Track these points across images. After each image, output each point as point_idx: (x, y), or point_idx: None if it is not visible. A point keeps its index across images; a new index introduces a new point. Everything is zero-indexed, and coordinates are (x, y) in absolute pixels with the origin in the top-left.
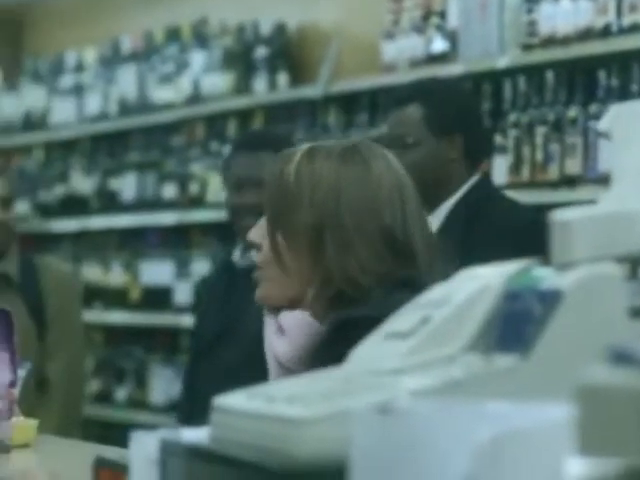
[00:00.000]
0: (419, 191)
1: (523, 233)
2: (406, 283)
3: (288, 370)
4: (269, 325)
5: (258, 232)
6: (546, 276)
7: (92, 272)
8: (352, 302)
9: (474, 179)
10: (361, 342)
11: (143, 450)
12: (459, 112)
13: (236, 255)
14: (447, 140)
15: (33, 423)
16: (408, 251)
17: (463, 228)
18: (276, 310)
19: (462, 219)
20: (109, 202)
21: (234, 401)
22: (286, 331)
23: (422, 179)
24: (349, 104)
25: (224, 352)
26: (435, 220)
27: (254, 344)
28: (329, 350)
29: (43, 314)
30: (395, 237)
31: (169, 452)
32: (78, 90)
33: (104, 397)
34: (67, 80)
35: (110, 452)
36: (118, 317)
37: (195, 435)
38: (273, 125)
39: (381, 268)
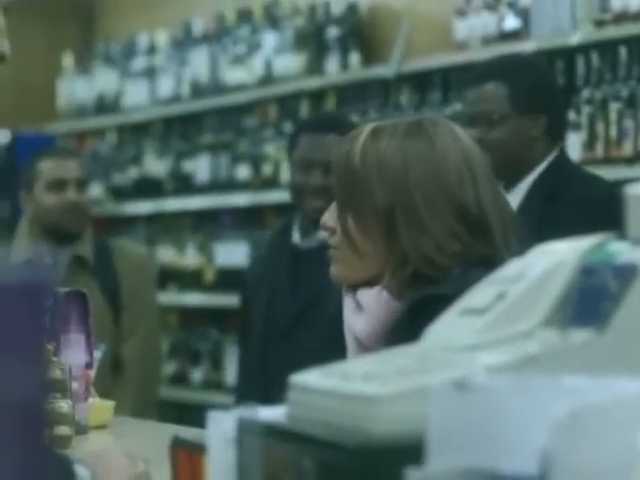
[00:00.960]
0: (501, 168)
1: (604, 206)
2: (483, 261)
3: (366, 348)
4: (347, 303)
5: (331, 216)
6: (622, 250)
7: (166, 254)
8: (430, 280)
9: (552, 156)
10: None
11: (220, 429)
12: (543, 90)
13: (296, 237)
14: (531, 118)
15: (109, 404)
16: (482, 225)
17: (544, 204)
18: (354, 288)
19: (543, 195)
20: (183, 184)
21: (310, 379)
22: (364, 308)
23: (505, 156)
24: (421, 83)
25: (303, 335)
26: (516, 197)
27: (333, 325)
28: (406, 328)
29: (118, 296)
30: (468, 211)
31: (246, 431)
32: (150, 73)
33: (180, 379)
34: (139, 63)
35: (186, 433)
36: (193, 299)
37: (272, 414)
38: (345, 105)
39: (456, 245)
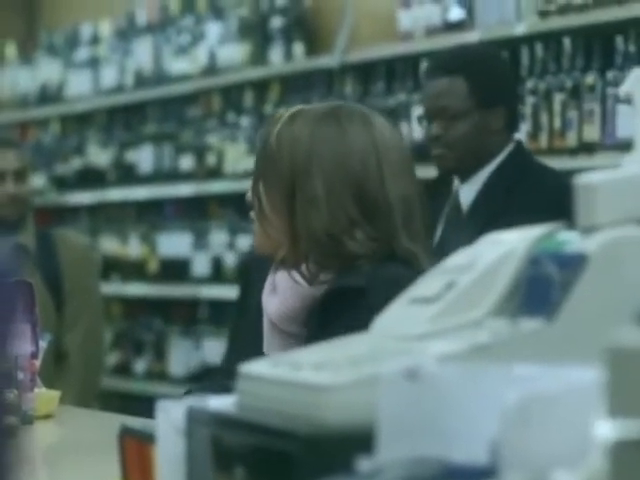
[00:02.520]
0: (461, 162)
1: (559, 197)
2: (390, 256)
3: (278, 329)
4: (267, 284)
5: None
6: (571, 240)
7: (110, 244)
8: (340, 268)
9: (510, 146)
10: (348, 310)
11: (169, 419)
12: (502, 83)
13: None
14: (492, 111)
15: (55, 394)
16: (383, 213)
17: (503, 195)
18: (275, 269)
19: (502, 187)
20: (126, 174)
21: (260, 368)
22: (278, 291)
23: (466, 150)
24: (365, 73)
25: None
26: (472, 187)
27: None
28: (320, 316)
29: (61, 286)
30: (369, 199)
31: (195, 420)
32: (94, 63)
33: (123, 369)
34: (83, 53)
35: (133, 422)
36: (136, 289)
37: (221, 403)
38: (290, 95)
39: (352, 230)
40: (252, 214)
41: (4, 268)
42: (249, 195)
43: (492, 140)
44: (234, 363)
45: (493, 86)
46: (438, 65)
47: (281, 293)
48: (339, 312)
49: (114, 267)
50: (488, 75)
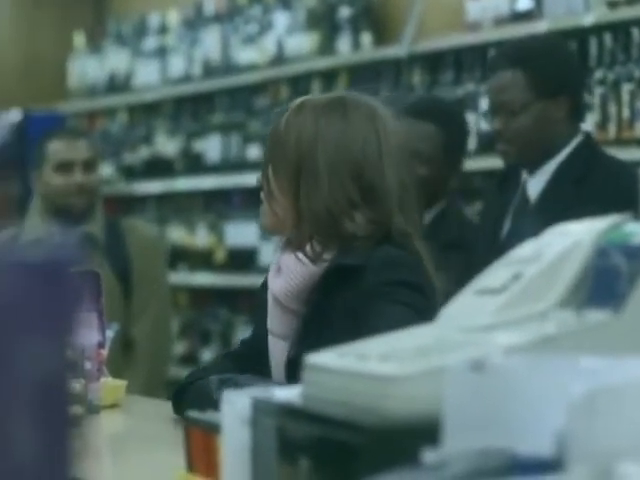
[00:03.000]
0: (525, 155)
1: (629, 190)
2: (386, 237)
3: (283, 306)
4: (272, 265)
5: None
6: (637, 231)
7: (177, 234)
8: (342, 245)
9: (579, 138)
10: (347, 288)
11: (235, 409)
12: (563, 72)
13: None
14: (553, 101)
15: (121, 384)
16: (380, 197)
17: (572, 187)
18: (285, 251)
19: (571, 178)
20: (194, 164)
21: (325, 359)
22: (283, 270)
23: (529, 143)
24: (433, 63)
25: None
26: (540, 179)
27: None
28: (321, 292)
29: (129, 276)
30: (368, 184)
31: (261, 411)
32: (162, 52)
33: (190, 359)
34: (151, 42)
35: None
36: (203, 279)
37: (287, 394)
38: (357, 85)
39: (352, 211)
40: (262, 195)
41: (69, 257)
42: (259, 178)
43: (555, 131)
44: (248, 344)
45: (553, 76)
46: (498, 59)
47: (286, 273)
48: (337, 289)
49: (181, 257)
50: (547, 65)
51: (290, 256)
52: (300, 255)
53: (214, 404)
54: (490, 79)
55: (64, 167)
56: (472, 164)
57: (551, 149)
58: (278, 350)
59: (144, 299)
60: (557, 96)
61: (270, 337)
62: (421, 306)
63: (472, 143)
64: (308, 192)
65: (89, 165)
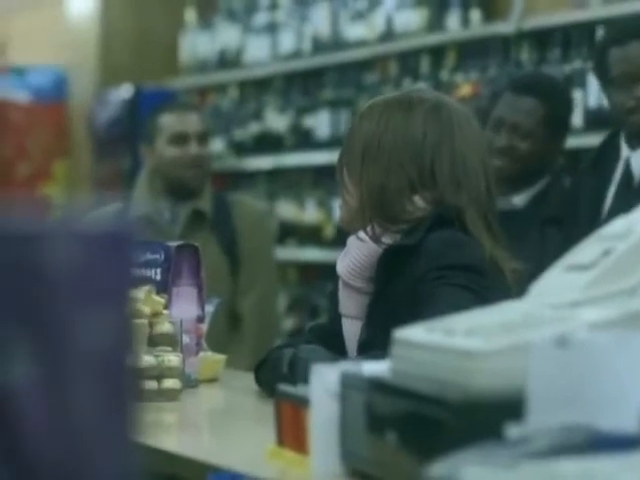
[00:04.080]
0: None
1: None
2: (443, 220)
3: (347, 285)
4: (341, 254)
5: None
6: None
7: (286, 210)
8: (401, 228)
9: None
10: (404, 267)
11: (324, 383)
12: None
13: None
14: None
15: (221, 358)
16: (436, 178)
17: None
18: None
19: None
20: (303, 140)
21: (413, 334)
22: (348, 252)
23: None
24: (541, 40)
25: None
26: None
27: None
28: (380, 272)
29: (236, 251)
30: (423, 164)
31: (349, 385)
32: (272, 28)
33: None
34: (261, 18)
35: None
36: (312, 254)
37: (375, 368)
38: (466, 62)
39: (407, 190)
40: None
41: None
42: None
43: None
44: (322, 328)
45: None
46: (627, 30)
47: (350, 253)
48: (395, 272)
49: (290, 232)
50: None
51: (353, 237)
52: (361, 234)
53: (283, 378)
54: (621, 50)
55: (179, 139)
56: (580, 141)
57: None
58: (351, 331)
59: (251, 275)
60: None
61: (343, 319)
62: (478, 287)
63: (579, 120)
64: (369, 174)
65: (202, 138)
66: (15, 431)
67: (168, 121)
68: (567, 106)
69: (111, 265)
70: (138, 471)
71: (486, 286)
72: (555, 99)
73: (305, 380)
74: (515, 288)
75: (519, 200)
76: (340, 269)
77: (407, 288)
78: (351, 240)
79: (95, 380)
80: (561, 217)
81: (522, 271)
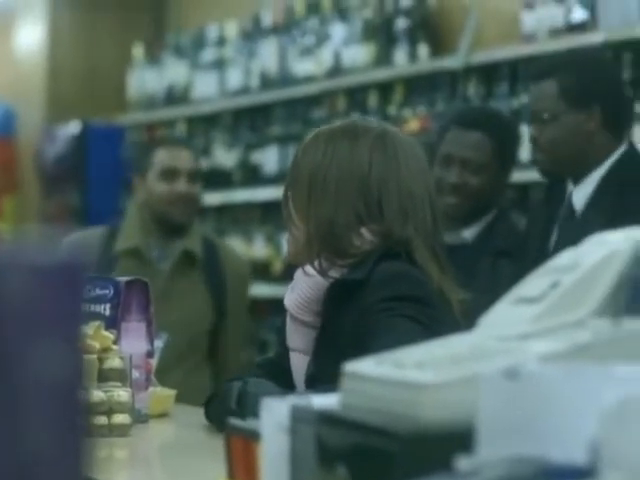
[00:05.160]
0: (560, 164)
1: None
2: (389, 254)
3: (294, 318)
4: (288, 288)
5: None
6: None
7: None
8: (347, 260)
9: (621, 149)
10: (349, 302)
11: (274, 417)
12: (595, 83)
13: None
14: (584, 112)
15: (171, 393)
16: (383, 210)
17: (614, 198)
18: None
19: (613, 189)
20: (251, 175)
21: (363, 367)
22: (295, 285)
23: (563, 153)
24: (489, 75)
25: None
26: (585, 190)
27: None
28: (326, 306)
29: (223, 298)
30: (370, 196)
31: (300, 418)
32: (220, 64)
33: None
34: (209, 54)
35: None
36: (261, 290)
37: (325, 401)
38: (414, 97)
39: (354, 223)
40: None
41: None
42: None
43: (590, 141)
44: (271, 362)
45: (583, 86)
46: (536, 70)
47: (297, 287)
48: (342, 305)
49: None
50: (578, 75)
51: (300, 271)
52: (308, 268)
53: (232, 412)
54: (531, 89)
55: (169, 175)
56: (527, 176)
57: (591, 160)
58: (298, 364)
59: (235, 335)
60: (588, 107)
61: (290, 352)
62: (426, 318)
63: (527, 155)
64: (316, 209)
65: (192, 175)
66: None
67: (161, 156)
68: (514, 139)
69: (62, 297)
70: None
71: (434, 317)
72: (502, 132)
73: (254, 414)
74: (463, 319)
75: (469, 234)
76: (287, 303)
77: (354, 321)
78: (298, 274)
79: (45, 412)
80: (510, 250)
81: (469, 302)
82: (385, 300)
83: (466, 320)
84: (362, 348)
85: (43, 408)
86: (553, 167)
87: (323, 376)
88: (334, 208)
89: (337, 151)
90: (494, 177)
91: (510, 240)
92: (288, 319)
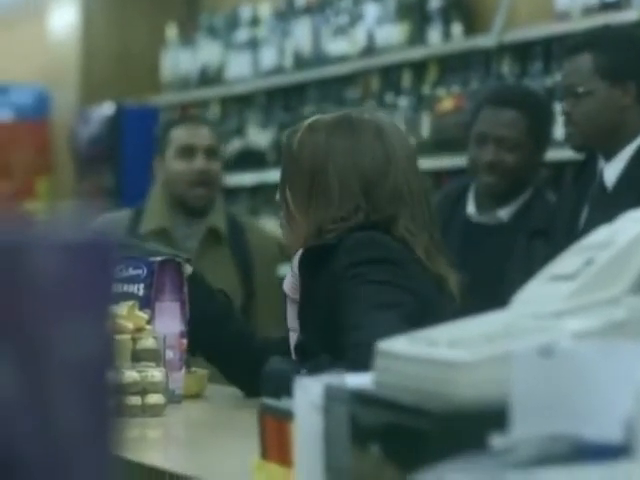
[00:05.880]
0: (593, 139)
1: None
2: (368, 224)
3: (291, 299)
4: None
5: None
6: None
7: (269, 225)
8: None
9: None
10: (323, 270)
11: (307, 396)
12: (630, 59)
13: (470, 208)
14: (620, 87)
15: (204, 373)
16: (383, 199)
17: None
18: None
19: None
20: None
21: (397, 346)
22: (292, 268)
23: (595, 127)
24: (523, 53)
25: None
26: (617, 165)
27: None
28: (301, 274)
29: (251, 275)
30: (369, 190)
31: (333, 397)
32: (253, 44)
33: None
34: (242, 34)
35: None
36: None
37: (358, 380)
38: (447, 76)
39: (353, 214)
40: (280, 217)
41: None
42: (278, 198)
43: (624, 116)
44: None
45: (619, 61)
46: (571, 45)
47: (292, 269)
48: (314, 270)
49: None
50: (614, 50)
51: (297, 255)
52: (301, 252)
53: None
54: (564, 65)
55: (186, 152)
56: (562, 154)
57: (624, 135)
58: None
59: (266, 312)
60: (623, 82)
61: (290, 333)
62: (397, 278)
63: (561, 133)
64: (317, 204)
65: (211, 152)
66: None
67: (178, 134)
68: (548, 117)
69: (92, 276)
70: None
71: (406, 275)
72: (536, 110)
73: (277, 393)
74: (463, 298)
75: (504, 213)
76: (285, 286)
77: (327, 287)
78: (295, 258)
79: (75, 392)
80: (546, 229)
81: (463, 282)
82: (353, 265)
83: (465, 299)
84: (339, 315)
85: (73, 388)
86: (585, 141)
87: (309, 345)
88: (337, 204)
89: (337, 145)
90: (529, 155)
91: (546, 220)
92: (287, 302)
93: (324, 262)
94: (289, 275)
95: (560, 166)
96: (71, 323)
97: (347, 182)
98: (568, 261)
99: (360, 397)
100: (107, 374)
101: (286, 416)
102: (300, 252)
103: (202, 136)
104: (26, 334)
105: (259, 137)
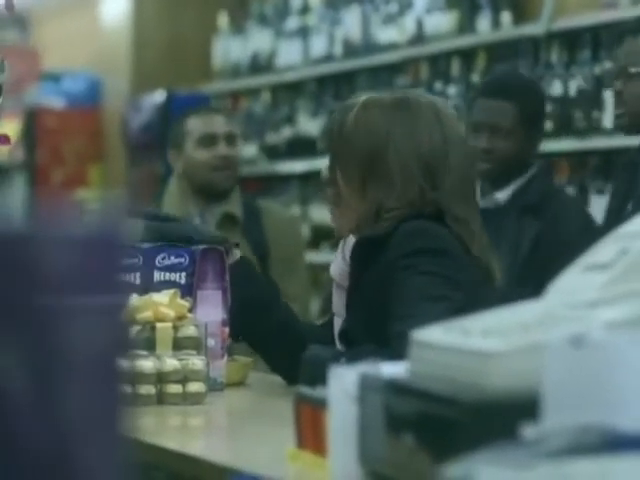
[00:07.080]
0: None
1: None
2: (419, 213)
3: (339, 286)
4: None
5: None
6: None
7: (319, 213)
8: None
9: None
10: (375, 259)
11: (342, 385)
12: None
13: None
14: None
15: (247, 361)
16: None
17: None
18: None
19: None
20: None
21: (431, 335)
22: (339, 254)
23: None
24: (571, 41)
25: None
26: None
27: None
28: (353, 264)
29: (267, 259)
30: (429, 173)
31: (368, 387)
32: (304, 32)
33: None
34: (293, 22)
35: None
36: None
37: (393, 369)
38: (496, 64)
39: (417, 197)
40: (328, 193)
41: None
42: (324, 174)
43: None
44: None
45: None
46: (621, 28)
47: (340, 255)
48: (366, 260)
49: (324, 236)
50: None
51: (349, 239)
52: (351, 237)
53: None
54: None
55: (207, 140)
56: (611, 142)
57: None
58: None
59: (282, 284)
60: None
61: (335, 318)
62: (447, 270)
63: (609, 121)
64: (380, 189)
65: (230, 138)
66: (6, 430)
67: (195, 124)
68: (539, 102)
69: (100, 268)
70: (129, 470)
71: (457, 268)
72: (528, 98)
73: (312, 381)
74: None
75: (501, 196)
76: (332, 271)
77: (378, 277)
78: (347, 244)
79: (85, 381)
80: (537, 206)
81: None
82: (404, 256)
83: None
84: (385, 305)
85: (84, 377)
86: (633, 121)
87: (354, 332)
88: (400, 187)
89: (397, 125)
90: (523, 141)
91: (541, 200)
92: (334, 287)
93: (377, 251)
94: (337, 260)
95: (608, 154)
96: (80, 314)
97: (408, 164)
98: (604, 250)
99: (394, 387)
100: (117, 363)
101: (321, 405)
102: (354, 241)
103: (220, 123)
104: (35, 322)
105: (309, 125)
